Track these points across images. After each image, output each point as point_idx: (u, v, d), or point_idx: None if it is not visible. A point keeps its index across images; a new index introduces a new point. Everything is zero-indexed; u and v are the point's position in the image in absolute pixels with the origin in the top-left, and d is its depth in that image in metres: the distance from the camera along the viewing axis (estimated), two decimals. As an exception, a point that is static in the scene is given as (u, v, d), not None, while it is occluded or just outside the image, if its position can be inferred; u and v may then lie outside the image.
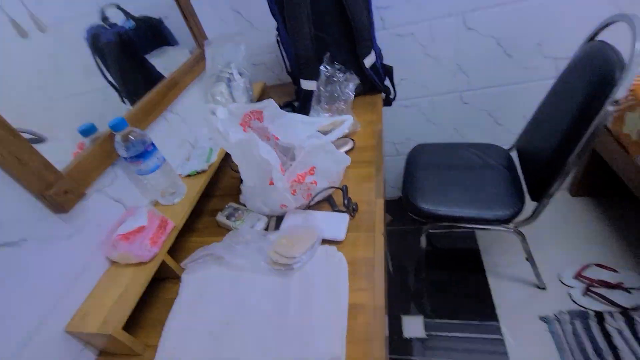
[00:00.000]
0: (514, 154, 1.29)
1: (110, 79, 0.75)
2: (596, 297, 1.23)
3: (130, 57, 0.84)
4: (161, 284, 0.73)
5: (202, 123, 0.99)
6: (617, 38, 0.88)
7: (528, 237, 1.19)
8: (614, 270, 1.29)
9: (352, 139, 1.00)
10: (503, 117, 1.46)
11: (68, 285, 0.60)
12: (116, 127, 0.66)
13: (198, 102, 1.06)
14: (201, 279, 0.68)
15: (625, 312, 1.18)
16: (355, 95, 1.14)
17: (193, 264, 0.71)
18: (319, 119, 0.91)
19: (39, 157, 0.55)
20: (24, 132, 0.54)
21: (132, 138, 0.67)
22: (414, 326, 1.32)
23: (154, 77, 0.90)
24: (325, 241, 0.69)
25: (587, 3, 1.14)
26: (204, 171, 0.86)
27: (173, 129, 0.93)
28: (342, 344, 0.52)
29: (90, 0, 0.75)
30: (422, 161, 1.35)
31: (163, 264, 0.69)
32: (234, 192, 0.90)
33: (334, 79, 1.10)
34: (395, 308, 1.39)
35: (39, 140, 0.58)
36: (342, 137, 1.03)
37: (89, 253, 0.65)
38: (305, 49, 1.02)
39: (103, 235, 0.67)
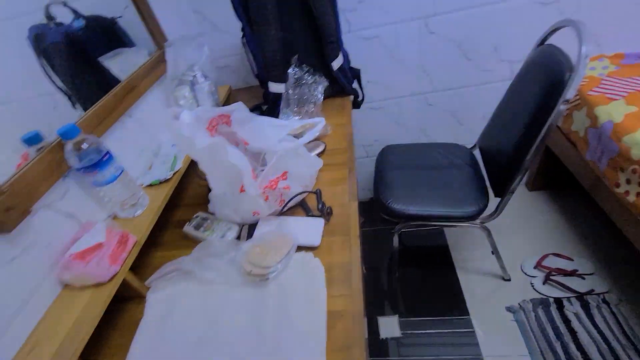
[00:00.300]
0: (477, 152, 1.35)
1: (58, 83, 0.68)
2: (555, 284, 1.31)
3: (80, 59, 0.77)
4: (124, 306, 0.68)
5: (165, 129, 0.93)
6: (565, 42, 0.95)
7: (493, 229, 1.25)
8: (570, 259, 1.38)
9: (324, 142, 0.99)
10: (465, 118, 1.53)
11: (12, 314, 0.53)
12: (66, 134, 0.60)
13: (159, 107, 1.00)
14: (169, 297, 0.64)
15: (581, 297, 1.27)
16: (325, 98, 1.13)
17: (159, 280, 0.66)
18: (290, 122, 0.90)
19: (-28, 171, 0.48)
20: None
21: (86, 146, 0.62)
22: (389, 326, 1.33)
23: (108, 80, 0.83)
24: (300, 248, 0.68)
25: (536, 10, 1.21)
26: (167, 180, 0.80)
27: (132, 135, 0.87)
28: (322, 357, 0.51)
29: (33, -4, 0.68)
30: (391, 162, 1.38)
31: (125, 283, 0.63)
32: (202, 200, 0.85)
33: (303, 81, 1.09)
34: (371, 309, 1.40)
35: (-28, 152, 0.51)
36: (313, 140, 1.02)
37: (38, 276, 0.58)
38: (272, 52, 1.00)
39: (54, 256, 0.60)
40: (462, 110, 1.50)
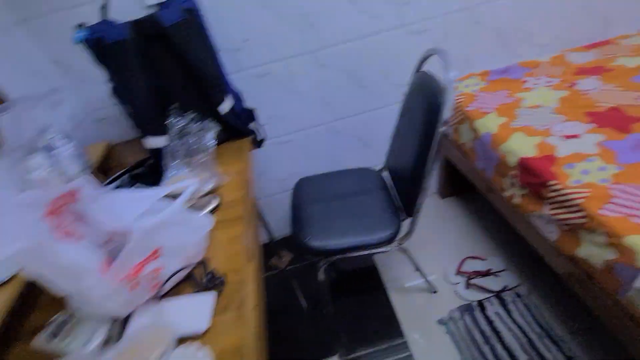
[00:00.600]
0: (386, 174, 1.38)
1: None
2: (475, 288, 1.38)
3: None
4: None
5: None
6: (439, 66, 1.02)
7: (414, 244, 1.27)
8: (483, 259, 1.48)
9: (218, 196, 0.90)
10: (372, 140, 1.57)
11: None
12: None
13: None
14: None
15: (498, 295, 1.35)
16: (220, 143, 1.05)
17: None
18: (160, 188, 0.78)
19: None
20: None
21: None
22: (330, 370, 1.25)
23: None
24: (185, 338, 0.57)
25: (411, 39, 1.32)
26: (7, 281, 0.63)
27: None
28: None
29: None
30: (306, 195, 1.34)
31: None
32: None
33: (189, 130, 1.00)
34: (313, 351, 1.31)
35: None
36: (206, 195, 0.92)
37: None
38: (143, 103, 0.89)
39: None
40: (368, 134, 1.54)
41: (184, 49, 0.89)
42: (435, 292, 1.41)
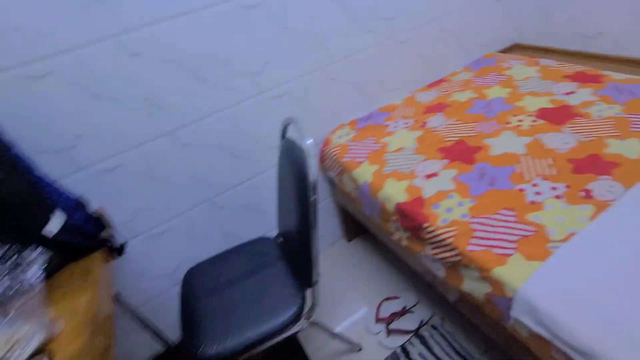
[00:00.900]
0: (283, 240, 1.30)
1: None
2: (395, 332, 1.36)
3: None
4: None
5: None
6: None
7: (328, 299, 1.19)
8: (397, 297, 1.48)
9: (48, 354, 0.68)
10: (264, 205, 1.49)
11: None
12: None
13: None
14: None
15: (417, 333, 1.34)
16: (54, 273, 0.84)
17: None
18: None
19: None
20: None
21: None
22: None
23: None
24: None
25: (274, 104, 1.31)
26: None
27: None
28: None
29: None
30: (196, 289, 1.16)
31: None
32: None
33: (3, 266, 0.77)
34: None
35: None
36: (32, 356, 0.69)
37: None
38: None
39: None
40: (256, 200, 1.46)
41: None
42: (360, 349, 1.35)
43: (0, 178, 0.73)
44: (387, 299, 1.49)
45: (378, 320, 1.41)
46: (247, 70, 1.22)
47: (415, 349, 1.29)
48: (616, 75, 1.32)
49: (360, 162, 1.28)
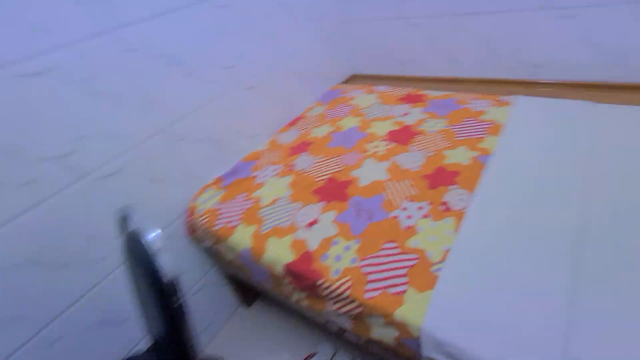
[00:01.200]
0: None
1: None
2: (323, 397, 1.22)
3: None
4: None
5: None
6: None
7: None
8: (314, 354, 1.35)
9: None
10: (121, 314, 1.15)
11: None
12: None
13: None
14: None
15: (344, 388, 1.24)
16: None
17: None
18: None
19: None
20: None
21: None
22: None
23: None
24: None
25: (106, 185, 1.04)
26: None
27: None
28: None
29: None
30: None
31: None
32: None
33: None
34: None
35: None
36: None
37: None
38: None
39: None
40: (109, 309, 1.11)
41: None
42: None
43: None
44: (306, 358, 1.34)
45: (301, 390, 1.25)
46: (51, 155, 0.92)
47: (347, 408, 1.18)
48: (433, 93, 1.57)
49: (235, 227, 1.12)
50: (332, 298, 0.90)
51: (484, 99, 1.42)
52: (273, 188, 1.24)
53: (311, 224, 1.05)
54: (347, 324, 0.94)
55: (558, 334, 0.67)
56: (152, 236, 0.70)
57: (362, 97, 1.69)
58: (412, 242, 0.91)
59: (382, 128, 1.41)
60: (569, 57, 1.39)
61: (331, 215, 1.06)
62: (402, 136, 1.33)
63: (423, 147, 1.24)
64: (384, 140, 1.34)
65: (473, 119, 1.32)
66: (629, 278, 0.72)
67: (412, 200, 1.04)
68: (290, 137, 1.52)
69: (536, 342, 0.67)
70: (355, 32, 1.93)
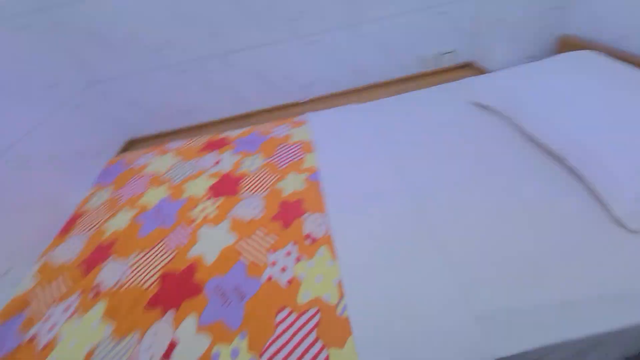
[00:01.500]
0: None
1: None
2: None
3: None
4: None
5: None
6: None
7: None
8: None
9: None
10: None
11: None
12: None
13: None
14: None
15: None
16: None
17: None
18: None
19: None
20: None
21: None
22: None
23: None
24: None
25: None
26: None
27: None
28: None
29: None
30: None
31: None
32: None
33: None
34: None
35: None
36: None
37: None
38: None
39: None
40: None
41: None
42: None
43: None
44: None
45: None
46: None
47: None
48: (233, 133, 1.49)
49: None
50: None
51: (283, 123, 1.47)
52: (78, 337, 0.78)
53: (168, 353, 0.72)
54: None
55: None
56: None
57: (157, 161, 1.39)
58: (303, 297, 0.77)
59: (200, 186, 1.19)
60: (327, 74, 1.65)
61: (191, 322, 0.77)
62: (227, 186, 1.17)
63: (255, 189, 1.13)
64: (209, 198, 1.13)
65: (284, 144, 1.32)
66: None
67: (275, 250, 0.90)
68: (74, 249, 1.04)
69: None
70: (113, 92, 1.60)
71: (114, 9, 1.42)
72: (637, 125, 0.84)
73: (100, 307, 0.84)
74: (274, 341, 0.70)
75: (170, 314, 0.79)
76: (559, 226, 0.80)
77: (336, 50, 1.60)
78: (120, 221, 1.11)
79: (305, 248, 0.89)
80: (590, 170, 0.84)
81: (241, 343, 0.71)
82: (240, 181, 1.18)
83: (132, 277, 0.90)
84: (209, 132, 1.61)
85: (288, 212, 1.00)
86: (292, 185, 1.11)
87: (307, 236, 0.92)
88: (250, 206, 1.06)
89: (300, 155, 1.24)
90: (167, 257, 0.94)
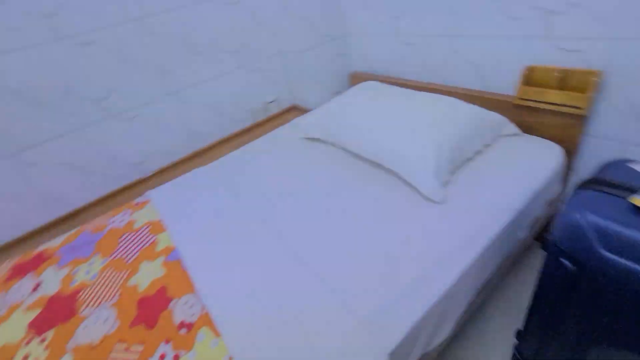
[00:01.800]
0: None
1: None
2: None
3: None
4: None
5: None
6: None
7: None
8: None
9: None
10: None
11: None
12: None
13: None
14: None
15: None
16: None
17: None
18: None
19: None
20: None
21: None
22: None
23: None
24: None
25: None
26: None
27: None
28: None
29: None
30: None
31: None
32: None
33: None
34: None
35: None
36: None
37: None
38: None
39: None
40: None
41: None
42: None
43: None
44: None
45: None
46: None
47: None
48: (55, 242, 1.19)
49: None
50: None
51: (120, 211, 1.27)
52: None
53: None
54: None
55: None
56: None
57: None
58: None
59: (14, 327, 0.88)
60: (160, 146, 1.56)
61: None
62: (58, 312, 0.90)
63: (99, 300, 0.91)
64: (31, 339, 0.84)
65: (128, 233, 1.14)
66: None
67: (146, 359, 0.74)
68: None
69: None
70: None
71: None
72: (416, 126, 1.11)
73: None
74: None
75: None
76: (397, 215, 0.97)
77: (162, 120, 1.54)
78: None
79: (182, 340, 0.76)
80: (399, 167, 1.06)
81: None
82: (77, 297, 0.94)
83: None
84: (18, 251, 1.24)
85: (150, 309, 0.85)
86: (147, 276, 0.95)
87: (181, 325, 0.80)
88: (97, 323, 0.85)
89: (151, 238, 1.10)
90: None
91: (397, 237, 0.89)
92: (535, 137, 1.19)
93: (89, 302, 0.91)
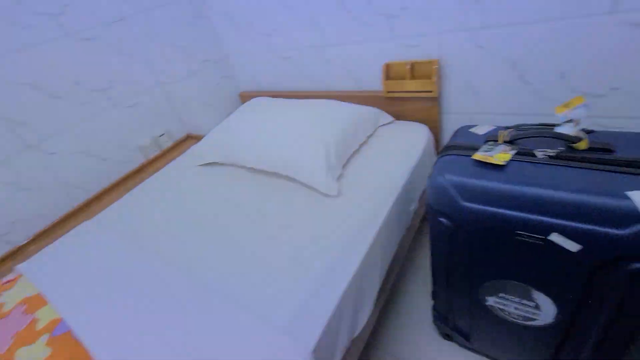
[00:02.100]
0: None
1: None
2: None
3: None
4: None
5: None
6: None
7: None
8: None
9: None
10: None
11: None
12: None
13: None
14: None
15: None
16: None
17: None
18: None
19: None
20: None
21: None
22: None
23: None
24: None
25: None
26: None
27: None
28: None
29: None
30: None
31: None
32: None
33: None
34: None
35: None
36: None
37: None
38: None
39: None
40: None
41: None
42: None
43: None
44: None
45: None
46: None
47: None
48: None
49: None
50: None
51: (-18, 298, 1.03)
52: None
53: None
54: None
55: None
56: None
57: None
58: None
59: None
60: (29, 210, 1.32)
61: None
62: None
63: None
64: None
65: (-5, 321, 0.93)
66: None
67: None
68: None
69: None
70: None
71: None
72: (303, 131, 1.17)
73: None
74: None
75: None
76: (301, 217, 0.99)
77: (23, 179, 1.32)
78: None
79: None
80: (295, 172, 1.10)
81: None
82: None
83: None
84: None
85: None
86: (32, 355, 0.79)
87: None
88: None
89: (29, 318, 0.91)
90: None
91: (303, 238, 0.92)
92: (406, 122, 1.36)
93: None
